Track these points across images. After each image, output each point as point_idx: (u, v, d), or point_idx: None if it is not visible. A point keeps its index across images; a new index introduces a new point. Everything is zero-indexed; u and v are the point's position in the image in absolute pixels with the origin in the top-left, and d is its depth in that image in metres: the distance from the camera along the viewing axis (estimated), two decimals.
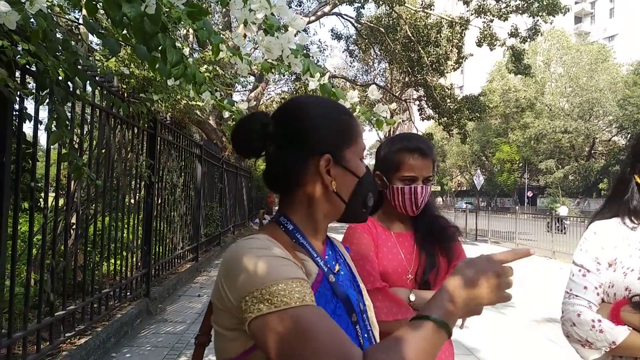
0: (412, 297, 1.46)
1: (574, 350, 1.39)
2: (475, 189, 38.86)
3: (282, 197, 0.97)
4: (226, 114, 2.19)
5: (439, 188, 55.82)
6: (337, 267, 0.99)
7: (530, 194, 43.25)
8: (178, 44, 2.64)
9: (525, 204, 42.76)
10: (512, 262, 0.82)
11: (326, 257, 0.98)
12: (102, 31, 2.06)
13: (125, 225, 4.85)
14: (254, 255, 0.79)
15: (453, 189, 61.13)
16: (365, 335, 0.94)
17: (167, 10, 1.42)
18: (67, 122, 2.76)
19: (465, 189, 58.47)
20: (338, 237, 1.60)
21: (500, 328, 5.45)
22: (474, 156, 49.11)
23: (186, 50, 3.23)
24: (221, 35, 1.56)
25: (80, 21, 3.96)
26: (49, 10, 1.75)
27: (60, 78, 2.57)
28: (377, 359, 0.69)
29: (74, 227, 3.95)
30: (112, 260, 4.62)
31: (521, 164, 43.64)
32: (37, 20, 2.01)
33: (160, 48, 1.53)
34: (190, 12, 1.32)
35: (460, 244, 1.62)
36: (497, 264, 0.81)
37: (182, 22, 1.42)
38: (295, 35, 1.48)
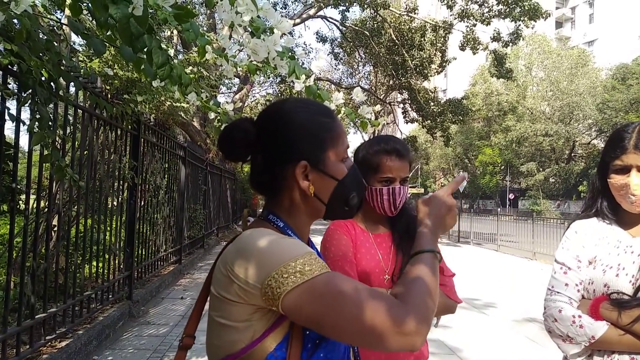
0: None
1: (556, 345, 1.43)
2: (458, 191, 39.18)
3: (267, 198, 1.02)
4: (212, 115, 2.20)
5: (422, 190, 56.27)
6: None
7: (512, 196, 43.83)
8: (163, 46, 2.63)
9: (507, 206, 43.33)
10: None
11: None
12: (86, 32, 2.05)
13: (108, 228, 4.81)
14: (269, 239, 0.86)
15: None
16: None
17: (152, 11, 1.42)
18: (50, 123, 2.74)
19: None
20: (318, 238, 1.63)
21: (481, 328, 5.53)
22: (457, 159, 49.60)
23: (171, 52, 3.23)
24: (207, 37, 1.57)
25: (63, 21, 3.93)
26: (32, 11, 1.73)
27: (43, 78, 2.54)
28: (400, 294, 0.84)
29: (56, 229, 3.90)
30: (94, 263, 4.57)
31: (503, 167, 44.19)
32: (21, 20, 1.99)
33: (146, 49, 1.53)
34: (177, 14, 1.33)
35: None
36: (447, 197, 1.05)
37: (169, 24, 1.42)
38: (281, 38, 1.50)
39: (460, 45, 17.26)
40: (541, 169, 40.45)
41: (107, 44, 2.36)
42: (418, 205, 1.06)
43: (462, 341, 4.87)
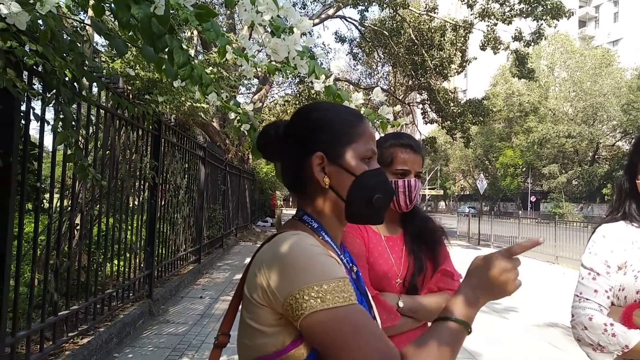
0: (401, 304, 1.47)
1: (585, 354, 1.39)
2: (478, 193, 38.77)
3: (298, 198, 1.02)
4: (232, 116, 2.21)
5: (441, 192, 55.74)
6: (354, 267, 1.05)
7: (533, 198, 43.15)
8: (184, 46, 2.66)
9: (529, 209, 42.64)
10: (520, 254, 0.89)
11: (345, 258, 1.03)
12: (109, 32, 2.07)
13: (129, 227, 4.87)
14: (307, 253, 0.83)
15: (456, 193, 60.99)
16: None
17: (174, 12, 1.43)
18: (73, 123, 2.78)
19: (468, 193, 58.32)
20: None
21: (502, 332, 5.44)
22: (477, 160, 49.02)
23: (191, 52, 3.25)
24: (227, 37, 1.57)
25: (87, 22, 3.99)
26: (56, 11, 1.76)
27: (67, 79, 2.59)
28: (411, 356, 0.77)
29: (78, 227, 3.97)
30: (116, 261, 4.63)
31: (524, 169, 43.54)
32: (45, 21, 2.03)
33: (167, 49, 1.54)
34: (199, 14, 1.33)
35: (445, 247, 1.64)
36: (508, 259, 0.87)
37: (189, 24, 1.43)
38: (300, 37, 1.49)
39: (480, 45, 17.06)
40: (564, 171, 39.72)
41: (129, 45, 2.39)
42: (474, 261, 0.91)
43: (482, 346, 4.79)
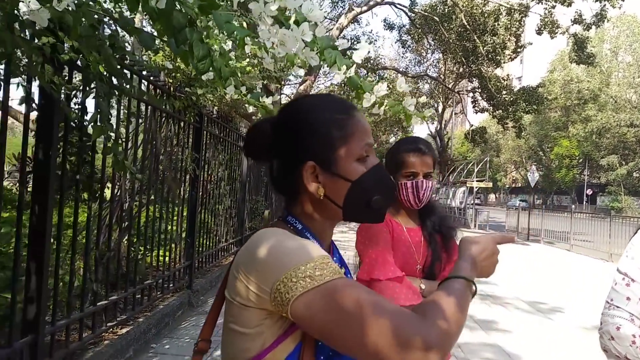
0: (423, 286, 1.68)
1: None
2: (530, 185, 37.28)
3: (286, 200, 0.99)
4: (250, 109, 2.16)
5: (490, 184, 54.02)
6: (342, 270, 1.00)
7: (589, 191, 41.08)
8: (227, 46, 2.65)
9: (584, 203, 40.65)
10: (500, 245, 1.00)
11: (334, 258, 0.99)
12: (135, 27, 2.04)
13: (170, 218, 4.94)
14: (280, 240, 0.82)
15: (507, 186, 58.99)
16: None
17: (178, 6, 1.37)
18: (110, 117, 2.83)
19: (520, 185, 56.25)
20: (351, 234, 1.58)
21: (545, 334, 5.14)
22: (530, 151, 47.09)
23: (229, 44, 3.20)
24: (239, 26, 1.49)
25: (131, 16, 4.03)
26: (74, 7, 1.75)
27: (104, 74, 2.61)
28: (424, 311, 0.76)
29: (121, 218, 4.04)
30: (157, 252, 4.71)
31: (581, 160, 41.44)
32: (74, 16, 2.01)
33: (188, 42, 1.51)
34: (201, 6, 1.27)
35: (456, 242, 1.75)
36: (493, 243, 0.97)
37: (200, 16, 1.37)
38: (316, 27, 1.41)
39: (537, 29, 16.21)
40: (624, 163, 37.47)
41: (157, 38, 2.37)
42: (463, 242, 0.98)
43: (523, 347, 4.56)
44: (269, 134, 0.96)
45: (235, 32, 1.40)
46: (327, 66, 1.59)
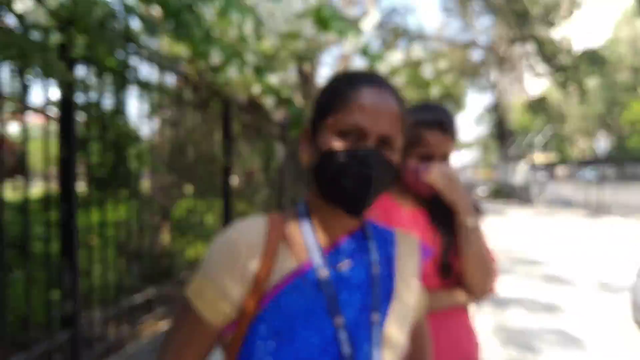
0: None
1: None
2: (595, 156, 35.01)
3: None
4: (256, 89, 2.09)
5: (555, 158, 51.43)
6: (342, 264, 0.90)
7: None
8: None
9: None
10: None
11: (333, 250, 0.90)
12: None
13: (206, 210, 4.87)
14: (214, 247, 0.89)
15: (576, 158, 56.00)
16: (357, 344, 0.86)
17: None
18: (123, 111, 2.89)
19: (588, 157, 53.14)
20: None
21: (614, 316, 4.68)
22: (599, 118, 44.23)
23: (249, 25, 3.06)
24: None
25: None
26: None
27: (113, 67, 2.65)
28: None
29: (159, 212, 4.04)
30: (194, 247, 4.68)
31: None
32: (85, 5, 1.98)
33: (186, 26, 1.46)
34: None
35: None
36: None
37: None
38: None
39: None
40: None
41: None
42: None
43: (589, 330, 4.15)
44: None
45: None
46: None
